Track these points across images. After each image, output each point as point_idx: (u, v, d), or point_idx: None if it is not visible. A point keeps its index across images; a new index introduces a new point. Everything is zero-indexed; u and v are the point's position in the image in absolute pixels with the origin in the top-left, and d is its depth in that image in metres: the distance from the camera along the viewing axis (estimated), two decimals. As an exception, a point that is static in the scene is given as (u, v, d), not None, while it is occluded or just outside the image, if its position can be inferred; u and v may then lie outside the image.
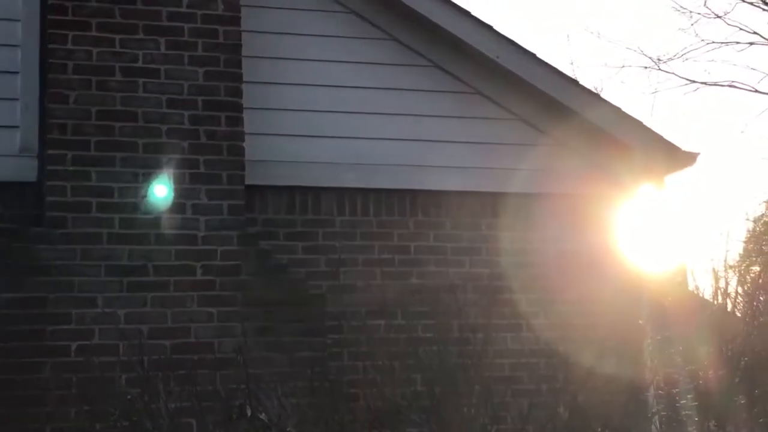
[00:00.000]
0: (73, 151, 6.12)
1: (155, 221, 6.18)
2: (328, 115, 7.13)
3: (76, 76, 6.17)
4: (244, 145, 6.50)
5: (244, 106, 6.52)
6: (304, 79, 7.11)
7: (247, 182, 6.52)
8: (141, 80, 6.28)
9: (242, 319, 6.16)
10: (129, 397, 5.74)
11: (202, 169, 6.31)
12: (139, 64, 6.29)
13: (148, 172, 6.21)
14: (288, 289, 6.66)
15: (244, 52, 6.57)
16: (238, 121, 6.44)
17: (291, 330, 6.55)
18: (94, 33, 6.22)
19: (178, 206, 6.22)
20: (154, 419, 5.62)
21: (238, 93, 6.47)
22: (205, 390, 5.85)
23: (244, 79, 6.53)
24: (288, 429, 5.61)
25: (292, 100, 7.05)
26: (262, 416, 5.59)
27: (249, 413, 5.60)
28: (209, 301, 6.19)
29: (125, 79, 6.25)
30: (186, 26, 6.38)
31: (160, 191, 6.28)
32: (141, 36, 6.30)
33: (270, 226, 6.86)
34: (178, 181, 6.26)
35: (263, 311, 6.41)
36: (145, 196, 6.24)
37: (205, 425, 5.79)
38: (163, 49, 6.34)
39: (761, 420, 7.23)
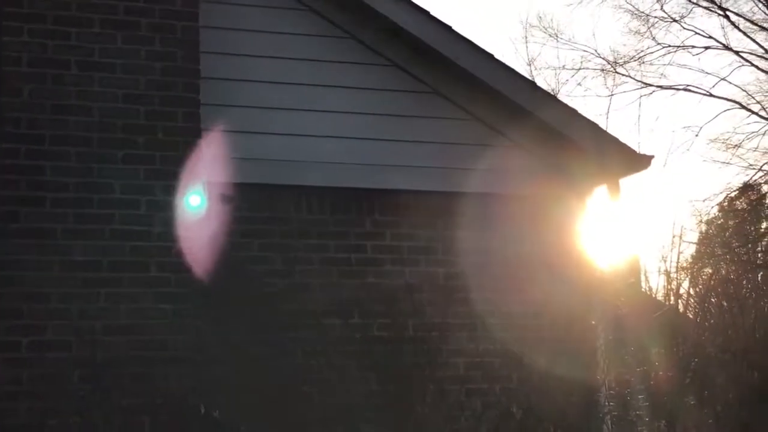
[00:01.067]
0: (27, 145, 6.05)
1: (109, 217, 6.13)
2: (286, 112, 7.11)
3: (30, 70, 6.10)
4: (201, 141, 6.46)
5: (201, 102, 6.48)
6: (262, 76, 7.09)
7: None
8: (97, 75, 6.22)
9: (196, 317, 6.14)
10: (81, 393, 5.70)
11: (158, 165, 6.26)
12: (95, 58, 6.22)
13: (102, 167, 6.15)
14: (243, 287, 6.64)
15: (201, 47, 6.53)
16: (195, 117, 6.40)
17: (246, 328, 6.53)
18: (49, 26, 6.15)
19: (132, 202, 6.17)
20: (106, 416, 5.58)
21: (196, 89, 6.42)
22: (159, 387, 5.83)
23: (202, 75, 6.49)
24: (241, 427, 5.61)
25: (249, 98, 7.03)
26: (216, 414, 5.58)
27: (202, 411, 5.59)
28: (163, 297, 6.14)
29: (81, 73, 6.18)
30: (143, 21, 6.32)
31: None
32: (97, 30, 6.24)
33: (229, 224, 6.83)
34: (133, 177, 6.20)
35: (218, 309, 6.38)
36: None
37: (158, 423, 5.76)
38: (119, 44, 6.27)
39: (710, 421, 7.32)
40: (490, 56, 7.59)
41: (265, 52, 7.11)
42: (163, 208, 6.23)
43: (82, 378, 5.82)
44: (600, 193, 8.02)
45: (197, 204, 6.28)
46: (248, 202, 6.93)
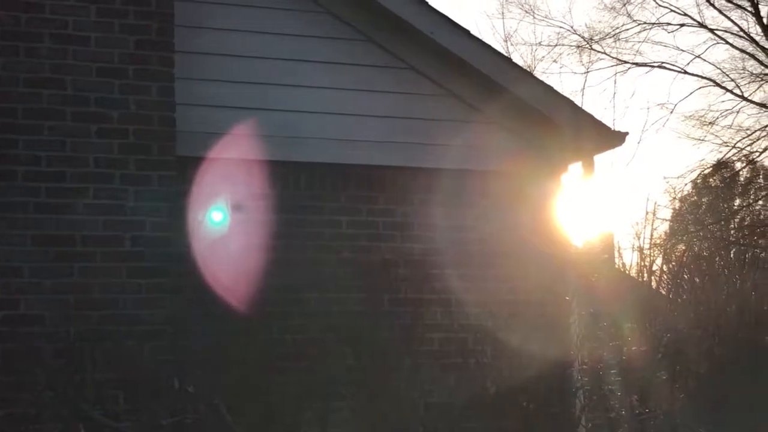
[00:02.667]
0: (0, 118, 6.00)
1: (83, 191, 6.09)
2: (261, 87, 7.08)
3: (3, 43, 6.04)
4: (176, 115, 6.42)
5: (176, 76, 6.44)
6: (236, 50, 7.05)
7: (179, 153, 6.46)
8: (71, 48, 6.16)
9: (171, 291, 6.12)
10: (55, 368, 5.68)
11: (131, 139, 6.22)
12: (69, 31, 6.17)
13: (76, 141, 6.11)
14: (219, 261, 6.63)
15: (176, 21, 6.48)
16: (169, 92, 6.37)
17: (220, 302, 6.53)
18: (22, -2, 6.09)
19: (106, 176, 6.14)
20: (80, 391, 5.57)
21: (170, 63, 6.39)
22: (133, 362, 5.82)
23: (177, 48, 6.45)
24: (216, 401, 5.61)
25: (225, 72, 6.99)
26: (190, 389, 5.57)
27: (177, 385, 5.59)
28: (138, 272, 6.13)
29: (54, 46, 6.13)
30: (118, -7, 6.27)
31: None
32: (71, 2, 6.18)
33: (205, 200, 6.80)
34: (107, 151, 6.17)
35: (193, 283, 6.37)
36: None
37: (133, 397, 5.76)
38: (93, 17, 6.22)
39: (682, 396, 7.40)
40: (466, 32, 7.58)
41: (237, 25, 7.06)
42: (138, 182, 6.20)
43: (56, 352, 5.79)
44: (575, 169, 8.06)
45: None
46: (224, 177, 6.90)
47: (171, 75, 6.38)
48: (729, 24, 23.27)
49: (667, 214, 23.52)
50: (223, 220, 6.86)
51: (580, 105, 8.17)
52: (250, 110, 7.01)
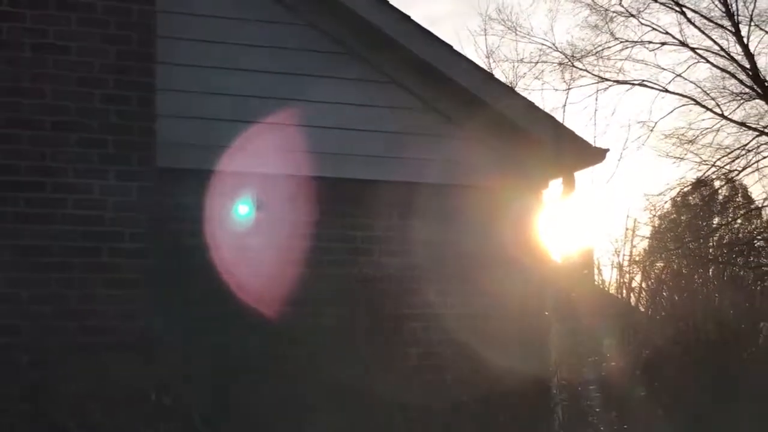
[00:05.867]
0: (-22, 127, 5.97)
1: (61, 201, 6.06)
2: (242, 99, 7.07)
3: (-18, 51, 6.01)
4: (158, 127, 6.39)
5: (158, 87, 6.41)
6: (220, 62, 7.04)
7: (161, 165, 6.43)
8: (51, 57, 6.14)
9: (148, 303, 6.09)
10: (31, 379, 5.64)
11: (111, 150, 6.19)
12: (50, 40, 6.14)
13: (55, 150, 6.08)
14: (195, 275, 6.60)
15: (160, 32, 6.47)
16: (150, 102, 6.34)
17: (197, 314, 6.50)
18: (4, 7, 6.05)
19: (85, 186, 6.10)
20: (56, 403, 5.53)
21: (151, 73, 6.36)
22: (109, 374, 5.78)
23: (160, 59, 6.43)
24: (192, 414, 5.58)
25: (209, 83, 6.98)
26: (167, 401, 5.54)
27: (153, 397, 5.56)
28: (115, 283, 6.09)
29: (35, 55, 6.10)
30: (99, 3, 6.24)
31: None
32: (52, 12, 6.15)
33: (182, 210, 6.78)
34: (87, 161, 6.13)
35: (170, 295, 6.33)
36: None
37: (109, 409, 5.72)
38: (74, 26, 6.19)
39: (660, 411, 7.42)
40: (448, 47, 7.59)
41: (221, 37, 7.06)
42: (117, 192, 6.17)
43: (32, 364, 5.75)
44: (555, 185, 8.08)
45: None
46: (201, 190, 6.87)
47: (152, 85, 6.35)
48: (710, 43, 23.41)
49: (647, 231, 23.60)
50: (204, 233, 6.84)
51: (561, 122, 8.18)
52: (231, 122, 6.99)
